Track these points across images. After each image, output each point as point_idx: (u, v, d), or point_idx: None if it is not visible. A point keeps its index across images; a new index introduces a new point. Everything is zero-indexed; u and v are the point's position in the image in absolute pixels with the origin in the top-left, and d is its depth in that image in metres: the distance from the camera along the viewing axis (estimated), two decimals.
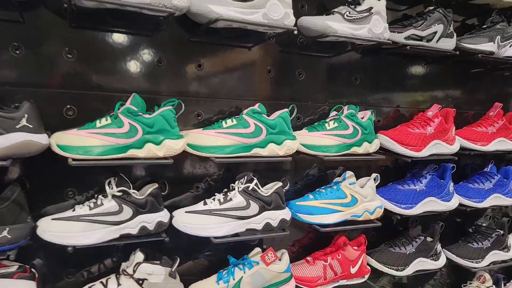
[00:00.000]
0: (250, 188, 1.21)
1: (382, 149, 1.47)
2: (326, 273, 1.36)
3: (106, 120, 1.04)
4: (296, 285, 1.33)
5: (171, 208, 1.19)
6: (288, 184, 1.31)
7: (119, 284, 1.09)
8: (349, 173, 1.40)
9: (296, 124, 1.43)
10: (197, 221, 1.15)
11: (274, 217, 1.22)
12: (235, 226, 1.18)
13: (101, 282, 1.11)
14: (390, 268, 1.47)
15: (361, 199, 1.37)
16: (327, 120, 1.37)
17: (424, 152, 1.47)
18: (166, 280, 1.12)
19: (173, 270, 1.13)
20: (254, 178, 1.23)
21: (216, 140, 1.15)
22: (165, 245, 1.28)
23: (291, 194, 1.46)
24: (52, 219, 1.02)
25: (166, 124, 1.06)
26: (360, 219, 1.38)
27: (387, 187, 1.52)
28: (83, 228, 1.03)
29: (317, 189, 1.39)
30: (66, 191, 1.14)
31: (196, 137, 1.15)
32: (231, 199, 1.19)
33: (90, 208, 1.06)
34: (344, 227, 1.35)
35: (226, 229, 1.16)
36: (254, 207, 1.20)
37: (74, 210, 1.06)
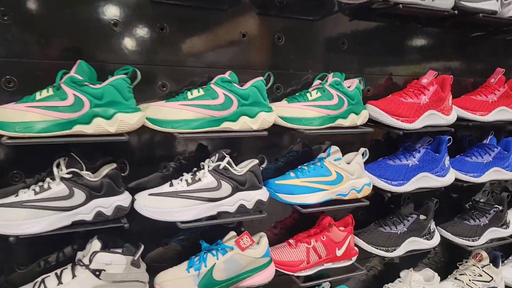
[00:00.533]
0: (221, 167, 1.08)
1: (372, 121, 1.34)
2: (309, 257, 1.25)
3: (48, 92, 0.90)
4: (276, 270, 1.22)
5: (138, 191, 1.06)
6: (266, 162, 1.18)
7: (74, 276, 0.98)
8: (334, 148, 1.27)
9: (276, 95, 1.28)
10: (162, 204, 1.02)
11: (249, 198, 1.10)
12: (205, 209, 1.06)
13: (56, 274, 1.00)
14: (379, 249, 1.36)
15: (347, 176, 1.25)
16: (310, 90, 1.23)
17: (418, 124, 1.33)
18: (127, 270, 1.01)
19: (135, 258, 1.02)
20: (226, 155, 1.10)
21: (179, 113, 1.01)
22: (132, 231, 1.17)
23: (272, 172, 1.33)
24: None
25: (118, 96, 0.92)
26: (346, 198, 1.26)
27: (376, 162, 1.40)
28: (26, 215, 0.90)
29: (299, 166, 1.27)
30: (10, 174, 1.02)
31: (157, 110, 1.01)
32: (200, 180, 1.07)
33: (36, 193, 0.93)
34: (328, 207, 1.23)
35: (194, 213, 1.04)
36: (226, 187, 1.08)
37: (17, 195, 0.93)
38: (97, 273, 0.97)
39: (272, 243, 1.32)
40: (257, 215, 1.13)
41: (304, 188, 1.20)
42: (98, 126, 0.91)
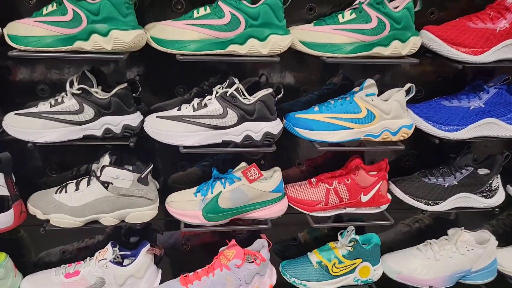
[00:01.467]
0: (228, 94, 1.02)
1: (431, 53, 1.11)
2: (328, 198, 1.16)
3: (52, 7, 0.92)
4: (292, 207, 1.17)
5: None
6: (282, 91, 1.07)
7: (88, 184, 1.06)
8: (369, 81, 1.10)
9: (308, 18, 1.13)
10: (166, 127, 1.02)
11: (256, 129, 1.03)
12: (208, 136, 1.03)
13: (76, 181, 1.10)
14: (418, 201, 1.20)
15: (380, 115, 1.08)
16: (345, 10, 1.05)
17: (488, 56, 1.07)
18: (134, 186, 1.06)
19: (142, 176, 1.06)
20: (236, 82, 1.03)
21: (183, 33, 0.95)
22: (156, 152, 1.21)
23: (302, 105, 1.23)
24: (15, 114, 1.00)
25: (115, 12, 0.90)
26: (377, 139, 1.11)
27: (427, 102, 1.18)
28: (42, 125, 0.99)
29: (327, 101, 1.14)
30: (38, 88, 1.10)
31: (162, 29, 0.97)
32: (206, 105, 1.03)
33: (51, 106, 1.00)
34: (350, 148, 1.10)
35: (196, 139, 1.02)
36: (232, 116, 1.02)
37: (37, 107, 1.01)
38: (106, 185, 1.04)
39: (296, 180, 1.26)
40: (265, 149, 1.06)
41: (326, 125, 1.08)
42: (95, 43, 0.91)
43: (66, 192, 1.07)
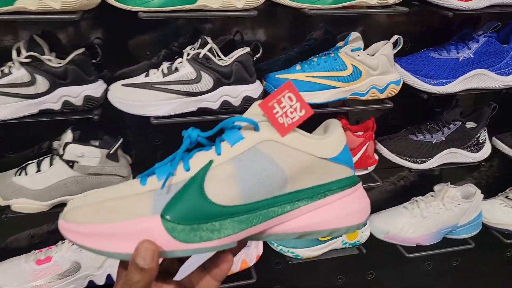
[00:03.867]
0: (201, 56, 0.91)
1: (420, 1, 1.03)
2: None
3: None
4: None
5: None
6: (261, 50, 0.97)
7: (51, 164, 0.96)
8: (354, 34, 1.01)
9: None
10: (134, 96, 0.91)
11: (235, 93, 0.94)
12: (182, 104, 0.93)
13: (37, 161, 0.99)
14: (405, 160, 1.15)
15: (367, 71, 1.01)
16: None
17: (479, 2, 0.99)
18: (102, 164, 0.96)
19: (111, 152, 0.96)
20: (209, 41, 0.92)
21: None
22: (125, 124, 1.11)
23: (282, 64, 1.13)
24: None
25: None
26: (364, 98, 1.04)
27: (415, 55, 1.11)
28: None
29: (310, 58, 1.05)
30: None
31: None
32: (177, 70, 0.92)
33: None
34: (337, 109, 1.03)
35: (168, 108, 0.92)
36: (207, 80, 0.92)
37: None
38: (71, 164, 0.94)
39: None
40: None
41: (310, 85, 0.99)
42: (40, 1, 0.77)
43: (26, 174, 0.97)
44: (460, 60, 1.07)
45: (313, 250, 1.20)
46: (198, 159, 0.43)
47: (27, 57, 0.86)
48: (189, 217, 0.41)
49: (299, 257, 1.20)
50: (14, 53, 0.87)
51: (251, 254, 1.15)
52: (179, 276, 0.47)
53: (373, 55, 1.02)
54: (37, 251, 1.08)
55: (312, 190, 0.43)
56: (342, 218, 0.44)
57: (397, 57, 1.09)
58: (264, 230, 0.43)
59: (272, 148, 0.42)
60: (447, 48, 1.09)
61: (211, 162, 0.42)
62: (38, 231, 1.18)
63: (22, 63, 0.86)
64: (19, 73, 0.87)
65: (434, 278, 1.60)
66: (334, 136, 0.45)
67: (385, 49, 1.01)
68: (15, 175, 0.97)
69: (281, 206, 0.42)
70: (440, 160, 1.18)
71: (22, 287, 1.02)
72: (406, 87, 1.08)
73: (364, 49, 1.02)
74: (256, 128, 0.43)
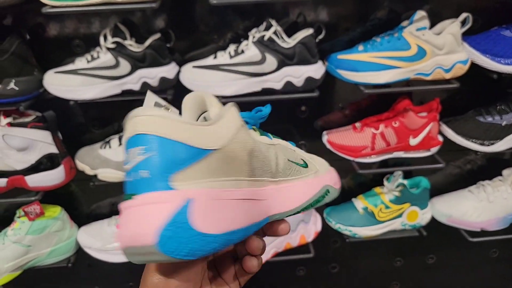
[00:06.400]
0: (266, 38, 0.96)
1: None
2: (374, 143, 1.11)
3: None
4: (336, 154, 1.13)
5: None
6: (324, 32, 1.00)
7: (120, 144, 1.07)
8: (419, 13, 1.00)
9: None
10: (202, 77, 0.99)
11: (298, 74, 0.98)
12: (247, 84, 0.99)
13: (119, 137, 1.11)
14: (471, 142, 1.12)
15: (432, 51, 0.99)
16: None
17: None
18: None
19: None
20: (274, 24, 0.96)
21: None
22: None
23: (345, 44, 1.14)
24: (55, 72, 0.99)
25: None
26: (429, 78, 1.02)
27: (486, 33, 1.06)
28: (81, 82, 0.98)
29: (372, 38, 1.05)
30: (73, 44, 1.09)
31: None
32: (243, 52, 0.98)
33: (88, 62, 0.99)
34: (400, 89, 1.03)
35: (235, 88, 0.98)
36: (271, 61, 0.97)
37: (74, 63, 1.00)
38: None
39: (338, 125, 1.21)
40: (308, 94, 1.01)
41: (372, 65, 1.00)
42: None
43: (110, 147, 1.09)
44: None
45: (372, 229, 1.21)
46: None
47: (112, 43, 0.96)
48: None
49: (356, 236, 1.22)
50: (101, 39, 0.98)
51: (309, 230, 1.19)
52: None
53: (440, 34, 1.00)
54: (117, 216, 1.22)
55: None
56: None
57: (466, 35, 1.06)
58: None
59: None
60: None
61: None
62: (117, 200, 1.32)
63: (108, 48, 0.97)
64: (105, 57, 0.98)
65: (502, 267, 1.54)
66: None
67: (452, 28, 0.99)
68: (101, 148, 1.10)
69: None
70: (510, 143, 1.13)
71: (105, 247, 1.15)
72: (474, 67, 1.05)
73: (430, 28, 1.01)
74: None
